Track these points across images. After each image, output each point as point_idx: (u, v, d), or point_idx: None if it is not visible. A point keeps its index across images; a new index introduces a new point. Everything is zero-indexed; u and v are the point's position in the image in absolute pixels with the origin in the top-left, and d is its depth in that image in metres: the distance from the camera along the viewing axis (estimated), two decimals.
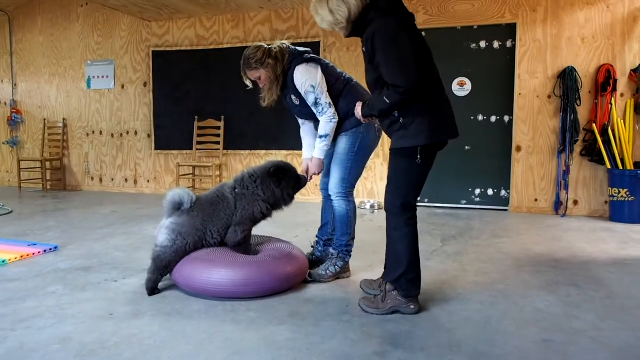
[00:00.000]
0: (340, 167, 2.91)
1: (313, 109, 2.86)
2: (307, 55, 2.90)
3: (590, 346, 2.07)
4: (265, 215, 2.82)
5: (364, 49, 2.34)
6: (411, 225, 2.39)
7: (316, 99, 2.81)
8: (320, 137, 2.86)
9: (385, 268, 2.56)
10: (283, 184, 2.78)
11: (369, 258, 3.44)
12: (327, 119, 2.83)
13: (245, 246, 2.78)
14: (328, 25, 2.38)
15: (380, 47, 2.22)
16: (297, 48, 2.94)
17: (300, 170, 2.96)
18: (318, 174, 2.99)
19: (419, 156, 2.29)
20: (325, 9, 2.33)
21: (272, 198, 2.78)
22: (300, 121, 3.16)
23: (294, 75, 2.83)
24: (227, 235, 2.76)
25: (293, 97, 2.93)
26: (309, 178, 2.96)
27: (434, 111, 2.31)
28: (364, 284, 2.75)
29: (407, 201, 2.38)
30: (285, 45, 2.90)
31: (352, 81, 2.97)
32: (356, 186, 3.02)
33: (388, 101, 2.25)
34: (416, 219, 2.42)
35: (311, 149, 3.01)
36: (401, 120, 2.30)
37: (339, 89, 2.90)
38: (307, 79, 2.80)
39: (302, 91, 2.84)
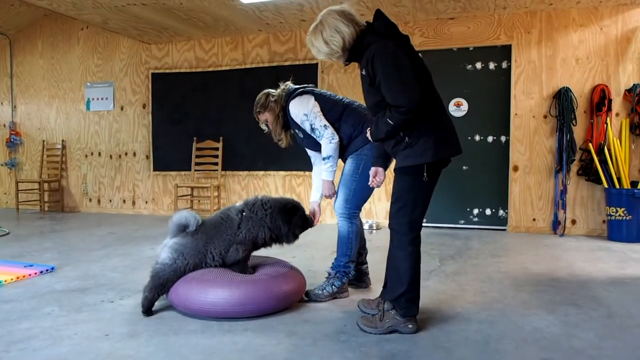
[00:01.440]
0: (344, 189, 2.94)
1: (313, 136, 2.94)
2: (300, 89, 3.00)
3: None
4: (266, 243, 2.84)
5: (363, 72, 2.36)
6: (415, 245, 2.39)
7: (311, 125, 2.91)
8: (324, 159, 2.93)
9: (384, 287, 2.55)
10: (292, 223, 2.83)
11: None
12: (327, 141, 2.89)
13: (243, 265, 2.78)
14: (324, 56, 2.44)
15: (380, 69, 2.25)
16: (296, 86, 3.05)
17: (308, 211, 3.02)
18: (330, 197, 3.04)
19: (425, 174, 2.31)
20: (320, 40, 2.38)
21: (277, 231, 2.82)
22: (312, 158, 3.22)
23: (290, 111, 2.97)
24: (229, 253, 2.76)
25: (297, 132, 3.04)
26: (315, 221, 3.01)
27: (438, 129, 2.34)
28: (361, 303, 2.73)
29: (413, 219, 2.37)
30: (287, 87, 3.04)
31: (352, 105, 3.01)
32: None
33: (392, 122, 2.28)
34: (420, 238, 2.42)
35: (318, 191, 3.08)
36: (406, 139, 2.32)
37: (338, 112, 2.95)
38: (300, 110, 2.92)
39: (299, 122, 2.94)
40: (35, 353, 2.15)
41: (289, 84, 3.08)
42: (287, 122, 3.05)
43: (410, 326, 2.39)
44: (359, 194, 2.93)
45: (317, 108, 2.92)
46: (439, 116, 2.37)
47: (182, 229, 2.74)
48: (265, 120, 3.07)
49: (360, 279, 3.19)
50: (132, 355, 2.13)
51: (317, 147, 3.05)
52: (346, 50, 2.39)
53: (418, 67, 2.30)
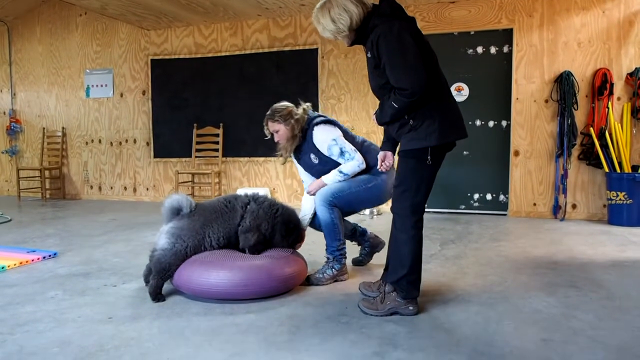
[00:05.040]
0: (345, 184, 2.95)
1: (340, 159, 2.95)
2: (324, 117, 3.09)
3: (589, 345, 2.07)
4: (265, 237, 2.87)
5: (368, 54, 2.35)
6: (418, 229, 2.39)
7: (341, 149, 2.95)
8: (341, 172, 2.95)
9: (385, 269, 2.56)
10: (289, 238, 2.92)
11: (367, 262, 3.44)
12: (356, 163, 2.94)
13: (260, 247, 2.82)
14: (330, 33, 2.40)
15: (385, 51, 2.24)
16: (317, 113, 3.16)
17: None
18: (309, 194, 3.08)
19: (429, 157, 2.31)
20: (327, 18, 2.35)
21: (272, 235, 2.87)
22: (305, 183, 3.28)
23: (314, 134, 3.00)
24: (241, 242, 2.81)
25: (312, 156, 3.05)
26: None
27: (443, 112, 2.33)
28: (362, 286, 2.75)
29: (416, 203, 2.37)
30: (308, 110, 3.10)
31: (366, 142, 3.15)
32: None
33: (396, 105, 2.28)
34: (422, 222, 2.42)
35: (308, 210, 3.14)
36: (411, 122, 2.31)
37: (357, 146, 3.05)
38: (328, 135, 2.98)
39: (324, 147, 2.97)
40: (39, 335, 2.18)
41: (309, 109, 3.12)
42: (302, 145, 3.07)
43: (411, 308, 2.41)
44: (351, 198, 2.95)
45: (343, 136, 3.01)
46: (444, 99, 2.36)
47: (176, 212, 2.75)
48: (276, 131, 3.06)
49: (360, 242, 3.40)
50: (136, 337, 2.15)
51: (317, 175, 3.09)
52: (352, 31, 2.36)
53: (424, 49, 2.28)
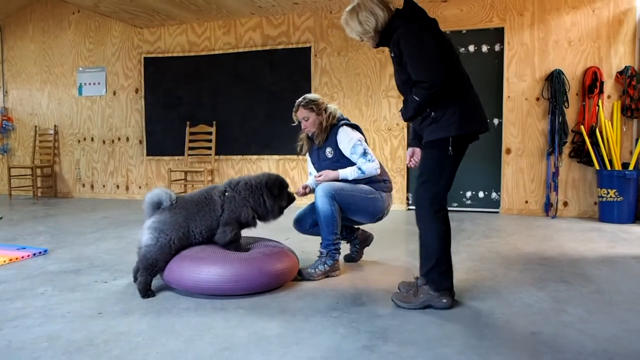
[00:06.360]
0: (350, 186, 3.01)
1: (361, 159, 3.07)
2: (350, 122, 3.24)
3: (578, 338, 2.08)
4: (249, 224, 2.86)
5: (392, 54, 2.47)
6: (440, 219, 2.42)
7: (365, 149, 3.08)
8: (360, 168, 3.05)
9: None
10: (278, 197, 2.88)
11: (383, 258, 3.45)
12: (375, 165, 3.08)
13: (236, 244, 2.79)
14: (357, 34, 2.53)
15: (405, 49, 2.36)
16: (344, 116, 3.30)
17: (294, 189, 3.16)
18: (320, 182, 3.11)
19: (450, 147, 2.36)
20: (355, 20, 2.48)
21: (261, 209, 2.84)
22: (311, 176, 3.36)
23: (340, 131, 3.13)
24: (217, 235, 2.77)
25: (328, 150, 3.16)
26: (301, 192, 3.18)
27: (463, 104, 2.39)
28: (401, 285, 2.66)
29: (437, 194, 2.42)
30: (337, 109, 3.27)
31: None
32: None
33: (417, 98, 2.37)
34: (446, 212, 2.46)
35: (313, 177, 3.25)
36: (432, 114, 2.39)
37: None
38: (355, 135, 3.13)
39: (348, 145, 3.08)
40: (28, 330, 2.16)
41: (338, 110, 3.26)
42: (327, 137, 3.15)
43: (444, 301, 2.42)
44: (350, 200, 2.99)
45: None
46: (465, 92, 2.43)
47: (156, 206, 2.72)
48: (306, 118, 3.15)
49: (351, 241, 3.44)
50: (126, 332, 2.14)
51: (329, 168, 3.17)
52: (377, 32, 2.49)
53: (444, 46, 2.38)
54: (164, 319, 2.31)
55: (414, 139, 2.71)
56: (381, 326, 2.22)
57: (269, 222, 2.94)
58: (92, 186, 7.59)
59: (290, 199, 2.97)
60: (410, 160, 2.73)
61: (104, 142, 7.48)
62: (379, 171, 3.10)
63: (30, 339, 2.07)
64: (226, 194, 2.80)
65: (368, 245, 3.47)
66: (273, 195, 2.85)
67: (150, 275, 2.66)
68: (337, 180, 3.07)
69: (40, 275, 3.08)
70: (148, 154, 7.22)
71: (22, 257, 3.47)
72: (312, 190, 3.19)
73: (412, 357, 1.90)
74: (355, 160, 3.09)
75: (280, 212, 2.92)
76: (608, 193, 5.03)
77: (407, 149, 2.77)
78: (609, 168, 5.09)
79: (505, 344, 2.03)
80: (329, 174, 3.09)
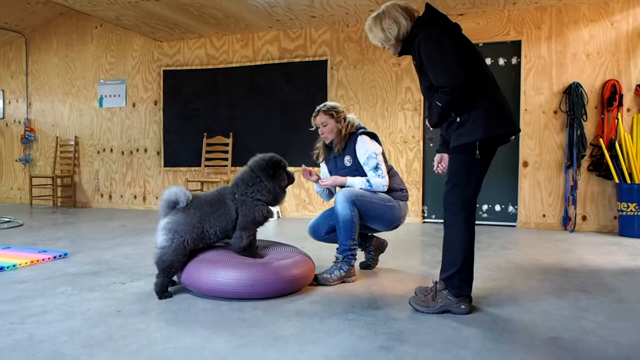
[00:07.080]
0: (369, 193, 3.03)
1: (371, 172, 3.08)
2: (369, 131, 3.26)
3: (599, 344, 2.05)
4: (266, 218, 2.85)
5: (414, 62, 2.49)
6: (468, 224, 2.40)
7: (377, 164, 3.10)
8: (368, 181, 3.07)
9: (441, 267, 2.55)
10: (276, 178, 2.85)
11: (397, 265, 3.44)
12: (384, 182, 3.08)
13: (251, 250, 2.79)
14: (379, 41, 2.57)
15: (424, 54, 2.37)
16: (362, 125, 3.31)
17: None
18: (316, 181, 3.20)
19: (477, 151, 2.34)
20: (378, 27, 2.52)
21: (269, 195, 2.82)
22: (322, 175, 3.38)
23: (359, 139, 3.14)
24: (232, 239, 2.78)
25: (346, 158, 3.18)
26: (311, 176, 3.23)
27: (489, 106, 2.37)
28: (418, 290, 2.64)
29: (467, 198, 2.39)
30: (355, 118, 3.28)
31: (392, 169, 3.30)
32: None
33: (440, 104, 2.37)
34: (474, 218, 2.43)
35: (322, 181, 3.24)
36: (458, 119, 2.38)
37: (387, 168, 3.22)
38: (372, 146, 3.13)
39: (364, 155, 3.09)
40: (49, 325, 2.19)
41: (356, 118, 3.27)
42: (345, 145, 3.17)
43: (463, 307, 2.40)
44: (369, 207, 3.02)
45: (382, 155, 3.17)
46: (490, 95, 2.40)
47: (172, 205, 2.70)
48: (324, 124, 3.18)
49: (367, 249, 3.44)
50: (143, 329, 2.16)
51: (341, 173, 3.20)
52: (399, 41, 2.52)
53: (466, 50, 2.37)
54: (181, 317, 2.33)
55: (442, 145, 2.70)
56: (398, 328, 2.21)
57: (278, 204, 2.99)
58: (110, 196, 7.69)
59: (290, 178, 2.95)
60: (438, 166, 2.72)
61: (122, 153, 7.59)
62: (385, 188, 3.10)
63: (51, 332, 2.10)
64: (235, 196, 2.80)
65: (383, 252, 3.46)
66: (271, 175, 2.82)
67: (167, 277, 2.68)
68: (344, 186, 3.09)
69: (60, 276, 3.13)
70: (165, 165, 7.31)
71: (43, 260, 3.53)
72: (318, 179, 3.23)
73: (429, 358, 1.88)
74: (366, 171, 3.11)
75: (282, 191, 2.90)
76: (628, 207, 4.96)
77: (436, 155, 2.76)
78: (628, 181, 5.02)
79: (523, 348, 2.00)
80: (337, 179, 3.12)
